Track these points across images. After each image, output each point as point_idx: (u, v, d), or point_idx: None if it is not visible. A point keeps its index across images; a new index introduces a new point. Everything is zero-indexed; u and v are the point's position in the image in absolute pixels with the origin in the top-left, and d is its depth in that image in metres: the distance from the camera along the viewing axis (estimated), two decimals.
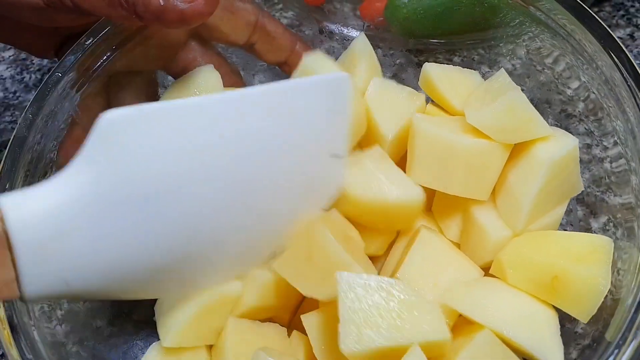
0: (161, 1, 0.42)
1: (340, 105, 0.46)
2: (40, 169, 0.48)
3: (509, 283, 0.44)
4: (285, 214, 0.45)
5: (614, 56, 0.45)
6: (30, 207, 0.35)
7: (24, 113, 0.48)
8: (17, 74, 0.72)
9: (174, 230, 0.40)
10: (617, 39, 0.46)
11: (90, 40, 0.51)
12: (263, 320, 0.48)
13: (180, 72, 0.54)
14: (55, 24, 0.51)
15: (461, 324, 0.44)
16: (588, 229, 0.50)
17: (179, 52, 0.53)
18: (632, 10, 0.71)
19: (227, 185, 0.41)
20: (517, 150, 0.47)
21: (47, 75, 0.50)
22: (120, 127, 0.36)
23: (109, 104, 0.53)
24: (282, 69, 0.57)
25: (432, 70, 0.51)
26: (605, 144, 0.48)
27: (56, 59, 0.56)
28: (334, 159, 0.46)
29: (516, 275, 0.44)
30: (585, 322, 0.43)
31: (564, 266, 0.42)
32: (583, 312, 0.42)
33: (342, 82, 0.46)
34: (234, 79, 0.56)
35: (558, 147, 0.45)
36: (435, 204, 0.51)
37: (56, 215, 0.35)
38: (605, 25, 0.46)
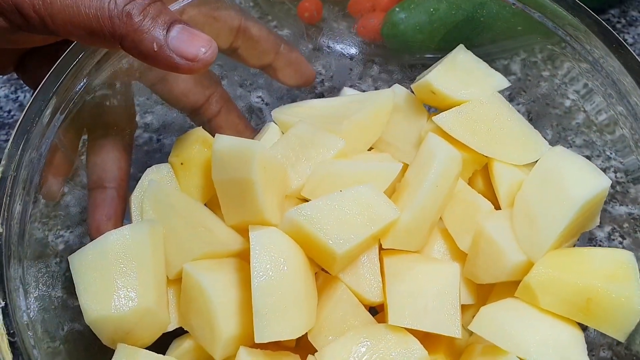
0: (155, 47, 0.38)
1: None
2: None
3: (541, 307, 0.43)
4: None
5: (624, 60, 0.44)
6: None
7: (7, 149, 0.44)
8: (12, 93, 0.71)
9: None
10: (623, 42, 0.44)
11: (69, 61, 0.47)
12: (272, 349, 0.45)
13: (157, 82, 0.52)
14: (20, 45, 0.46)
15: (487, 349, 0.43)
16: (592, 238, 0.50)
17: None
18: (618, 26, 0.72)
19: None
20: (542, 174, 0.46)
21: (28, 102, 0.45)
22: None
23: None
24: (267, 72, 0.56)
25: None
26: (608, 153, 0.48)
27: (17, 74, 0.53)
28: None
29: (548, 299, 0.43)
30: (623, 342, 0.42)
31: (597, 286, 0.41)
32: (620, 332, 0.41)
33: None
34: (242, 124, 0.56)
35: (592, 185, 0.44)
36: (447, 211, 0.49)
37: None
38: (612, 31, 0.45)
